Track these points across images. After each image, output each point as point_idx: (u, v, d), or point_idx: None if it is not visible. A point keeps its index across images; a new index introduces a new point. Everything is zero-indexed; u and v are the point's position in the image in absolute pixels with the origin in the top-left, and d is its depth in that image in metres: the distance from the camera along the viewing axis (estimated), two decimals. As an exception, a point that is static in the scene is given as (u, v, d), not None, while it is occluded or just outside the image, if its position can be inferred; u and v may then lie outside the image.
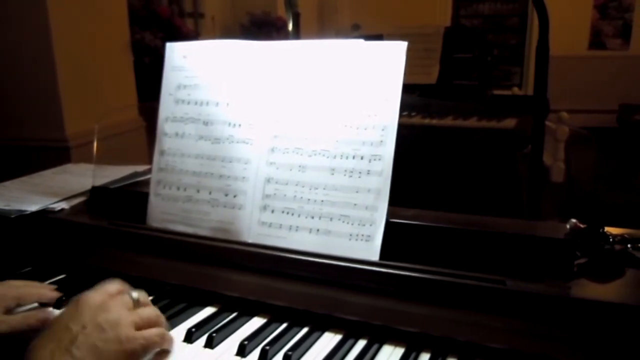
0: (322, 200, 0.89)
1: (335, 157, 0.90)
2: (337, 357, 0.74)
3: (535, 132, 1.33)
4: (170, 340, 0.75)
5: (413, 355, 0.75)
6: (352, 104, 0.90)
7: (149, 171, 1.13)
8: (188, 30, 3.64)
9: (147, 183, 1.09)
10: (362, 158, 0.88)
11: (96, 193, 1.15)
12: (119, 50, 2.69)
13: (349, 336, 0.79)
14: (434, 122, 2.60)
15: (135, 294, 0.75)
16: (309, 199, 0.90)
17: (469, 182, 2.31)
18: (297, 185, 0.91)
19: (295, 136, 0.93)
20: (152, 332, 0.72)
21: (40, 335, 0.69)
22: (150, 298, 0.92)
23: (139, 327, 0.71)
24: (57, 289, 0.95)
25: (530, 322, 0.71)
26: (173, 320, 0.84)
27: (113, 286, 0.76)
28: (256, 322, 0.84)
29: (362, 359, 0.74)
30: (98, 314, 0.69)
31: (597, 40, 6.82)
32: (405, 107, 2.56)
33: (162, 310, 0.87)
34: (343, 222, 0.87)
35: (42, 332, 0.69)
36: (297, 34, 2.21)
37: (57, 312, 0.88)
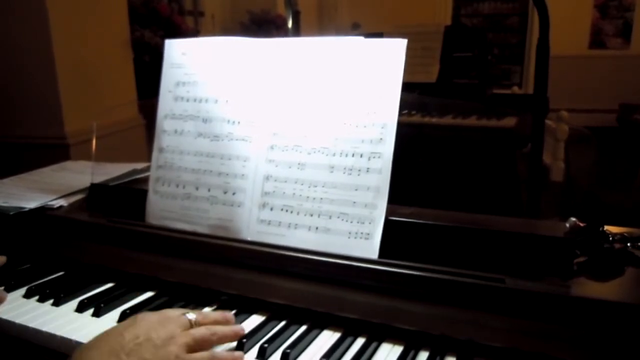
0: (321, 198, 0.89)
1: (334, 154, 0.89)
2: (335, 355, 0.74)
3: (535, 131, 1.32)
4: None
5: (412, 353, 0.75)
6: (351, 102, 0.90)
7: (148, 168, 1.13)
8: (188, 28, 3.63)
9: (146, 180, 1.09)
10: (361, 156, 0.87)
11: (95, 190, 1.15)
12: (119, 47, 2.68)
13: (348, 334, 0.79)
14: (434, 120, 2.60)
15: (192, 315, 0.74)
16: (308, 197, 0.90)
17: (469, 181, 2.31)
18: (296, 182, 0.91)
19: (295, 134, 0.93)
20: (201, 355, 0.70)
21: (91, 340, 0.69)
22: (149, 295, 0.93)
23: (191, 349, 0.70)
24: (55, 287, 0.95)
25: (530, 320, 0.71)
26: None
27: (174, 310, 0.76)
28: (255, 320, 0.84)
29: (361, 357, 0.74)
30: (153, 329, 0.69)
31: (597, 40, 6.81)
32: (405, 105, 2.56)
33: (161, 308, 0.87)
34: (342, 220, 0.87)
35: (95, 337, 0.69)
36: (296, 32, 2.21)
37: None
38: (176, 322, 0.72)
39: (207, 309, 0.88)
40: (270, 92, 0.96)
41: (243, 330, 0.78)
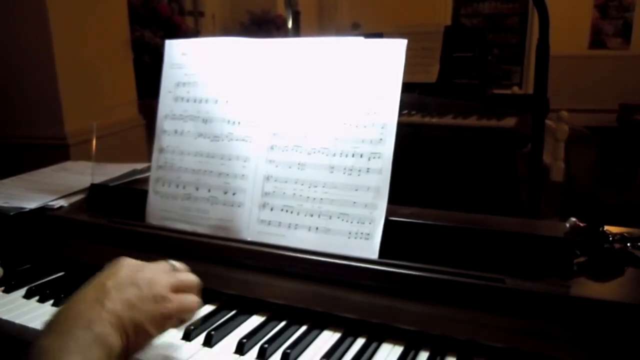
0: (322, 198, 0.89)
1: (334, 155, 0.89)
2: (335, 355, 0.74)
3: (535, 131, 1.32)
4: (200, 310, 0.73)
5: (412, 353, 0.75)
6: (351, 102, 0.90)
7: (148, 169, 1.13)
8: (188, 28, 3.63)
9: (146, 181, 1.09)
10: (361, 156, 0.88)
11: (95, 191, 1.15)
12: (119, 48, 2.68)
13: (348, 334, 0.79)
14: (434, 120, 2.60)
15: (174, 262, 0.74)
16: (308, 197, 0.90)
17: (469, 181, 2.31)
18: (296, 183, 0.91)
19: (295, 134, 0.93)
20: (188, 297, 0.70)
21: (76, 292, 0.68)
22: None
23: (176, 290, 0.70)
24: (55, 288, 0.95)
25: (530, 320, 0.71)
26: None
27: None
28: (255, 320, 0.84)
29: (361, 357, 0.74)
30: (135, 273, 0.68)
31: (597, 40, 6.81)
32: (405, 105, 2.56)
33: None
34: (342, 220, 0.87)
35: (78, 290, 0.68)
36: (296, 33, 2.21)
37: None
38: (158, 265, 0.72)
39: (207, 307, 0.88)
40: (271, 93, 0.96)
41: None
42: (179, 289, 0.70)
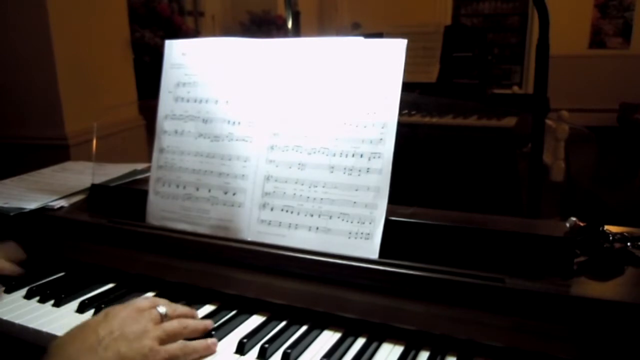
0: (322, 198, 0.89)
1: (334, 155, 0.89)
2: (336, 355, 0.74)
3: (535, 130, 1.32)
4: (193, 351, 0.75)
5: (412, 353, 0.75)
6: (351, 102, 0.90)
7: (148, 169, 1.13)
8: (188, 28, 3.63)
9: (146, 181, 1.09)
10: (361, 156, 0.88)
11: (96, 191, 1.15)
12: (119, 48, 2.68)
13: (348, 334, 0.79)
14: (434, 120, 2.60)
15: (163, 309, 0.77)
16: (308, 197, 0.90)
17: (469, 181, 2.31)
18: (296, 183, 0.91)
19: (295, 134, 0.93)
20: (174, 346, 0.73)
21: (65, 334, 0.71)
22: (150, 295, 0.93)
23: (163, 342, 0.73)
24: (55, 288, 0.95)
25: (530, 320, 0.71)
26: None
27: (143, 302, 0.78)
28: (255, 320, 0.84)
29: (361, 356, 0.74)
30: (126, 325, 0.72)
31: (597, 39, 6.81)
32: (405, 105, 2.56)
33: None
34: (342, 220, 0.87)
35: (67, 332, 0.72)
36: (297, 33, 2.21)
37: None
38: (148, 317, 0.75)
39: (208, 307, 0.88)
40: (271, 93, 0.96)
41: (212, 324, 0.81)
42: (166, 340, 0.74)
